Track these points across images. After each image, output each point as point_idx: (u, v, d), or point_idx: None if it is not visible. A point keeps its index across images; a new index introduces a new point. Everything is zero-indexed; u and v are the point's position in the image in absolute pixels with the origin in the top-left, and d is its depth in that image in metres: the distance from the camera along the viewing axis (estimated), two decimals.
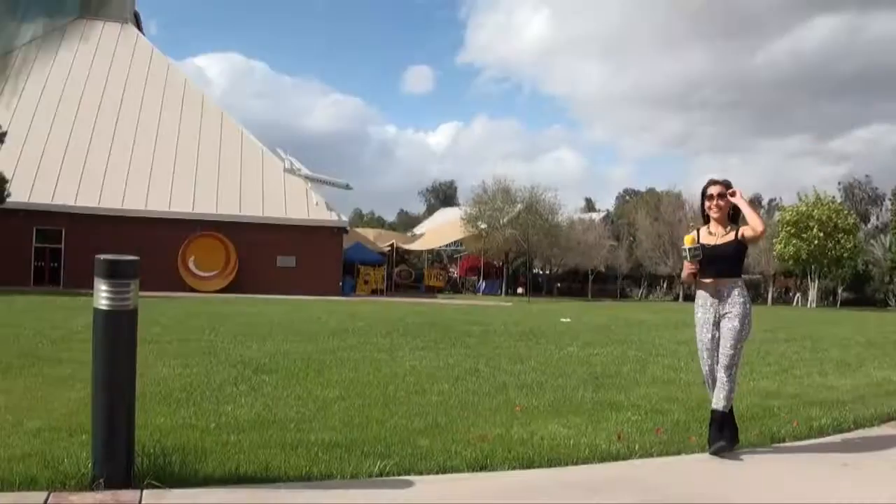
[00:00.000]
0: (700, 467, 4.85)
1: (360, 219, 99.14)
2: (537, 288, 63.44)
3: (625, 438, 5.32)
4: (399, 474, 4.30)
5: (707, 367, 5.39)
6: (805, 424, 6.10)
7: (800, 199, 52.67)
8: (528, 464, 4.62)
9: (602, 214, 74.97)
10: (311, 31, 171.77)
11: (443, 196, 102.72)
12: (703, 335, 5.36)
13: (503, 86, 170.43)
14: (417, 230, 75.26)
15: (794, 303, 55.64)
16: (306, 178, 44.46)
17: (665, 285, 65.40)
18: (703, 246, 5.30)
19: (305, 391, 7.05)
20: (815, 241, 48.60)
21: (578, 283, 65.71)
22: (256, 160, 45.22)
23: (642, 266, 63.59)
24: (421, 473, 4.35)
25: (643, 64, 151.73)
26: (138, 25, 54.78)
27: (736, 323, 5.20)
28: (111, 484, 3.90)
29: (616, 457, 4.90)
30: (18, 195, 36.26)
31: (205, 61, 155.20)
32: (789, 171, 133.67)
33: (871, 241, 60.19)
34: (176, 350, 10.26)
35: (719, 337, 5.26)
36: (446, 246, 65.53)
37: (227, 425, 5.43)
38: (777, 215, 55.32)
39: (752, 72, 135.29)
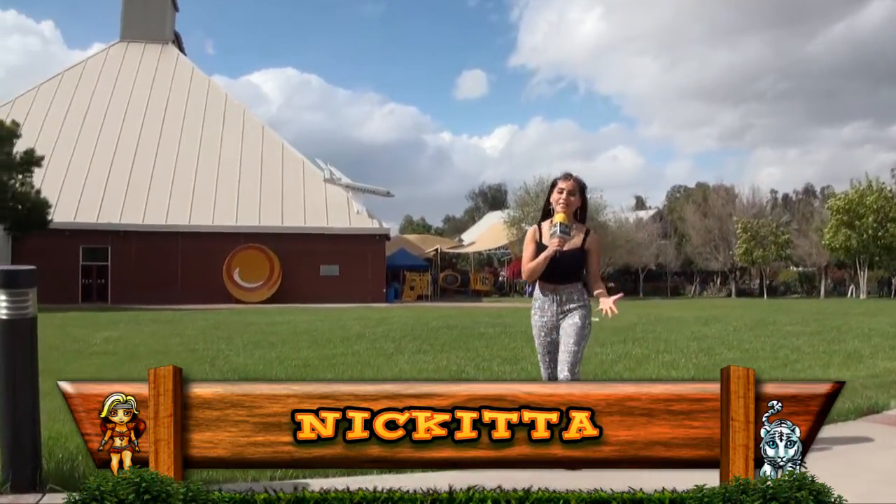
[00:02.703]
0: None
1: (409, 225, 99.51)
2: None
3: None
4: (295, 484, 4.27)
5: (547, 374, 5.12)
6: None
7: (852, 187, 51.28)
8: None
9: (653, 212, 74.01)
10: (363, 43, 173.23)
11: (491, 199, 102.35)
12: (542, 339, 5.09)
13: (558, 86, 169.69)
14: (465, 234, 75.38)
15: (848, 294, 54.17)
16: (347, 186, 44.73)
17: (718, 281, 64.34)
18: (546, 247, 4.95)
19: None
20: (868, 231, 47.23)
21: (631, 282, 65.01)
22: (297, 171, 45.69)
23: (693, 263, 62.65)
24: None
25: (698, 57, 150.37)
26: (179, 46, 55.85)
27: (577, 319, 4.98)
28: (17, 488, 4.01)
29: None
30: (64, 215, 37.46)
31: (260, 78, 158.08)
32: (849, 160, 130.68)
33: None
34: (176, 359, 10.32)
35: (562, 332, 5.01)
36: (495, 249, 65.29)
37: None
38: (828, 203, 54.05)
39: (809, 59, 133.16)
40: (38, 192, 32.84)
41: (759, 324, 17.82)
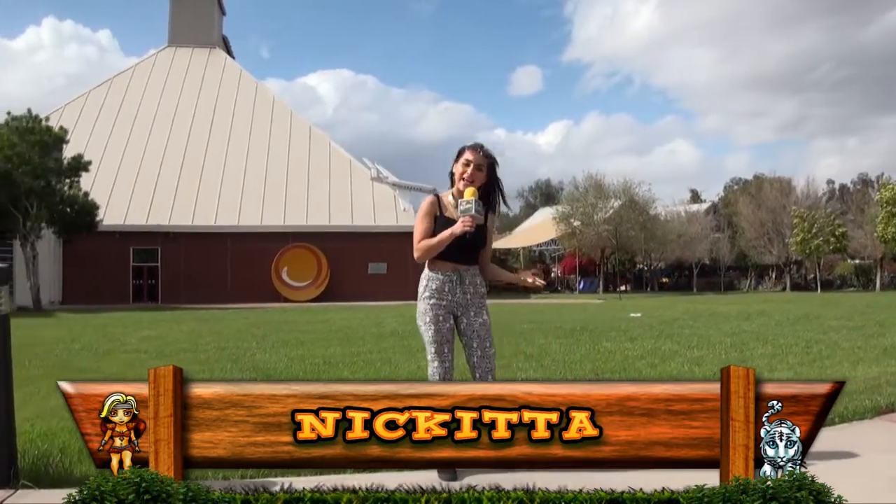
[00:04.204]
0: None
1: None
2: (643, 284, 62.41)
3: None
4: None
5: (443, 369, 4.38)
6: None
7: None
8: None
9: (707, 205, 73.04)
10: (417, 42, 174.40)
11: (545, 196, 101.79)
12: (439, 325, 4.36)
13: (613, 80, 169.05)
14: (517, 231, 75.23)
15: None
16: (393, 185, 44.87)
17: (774, 275, 63.32)
18: (449, 221, 4.33)
19: None
20: None
21: (685, 277, 64.25)
22: (344, 171, 45.98)
23: (748, 257, 61.68)
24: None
25: (754, 47, 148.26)
26: (227, 49, 56.61)
27: (485, 316, 4.44)
28: None
29: None
30: (115, 217, 38.24)
31: (316, 80, 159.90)
32: None
33: None
34: (202, 358, 10.59)
35: (468, 334, 4.40)
36: (544, 245, 65.00)
37: None
38: (878, 194, 52.81)
39: (867, 46, 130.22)
40: (87, 194, 33.64)
41: (803, 318, 17.47)
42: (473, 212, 4.19)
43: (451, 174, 4.51)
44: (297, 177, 44.93)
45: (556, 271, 65.19)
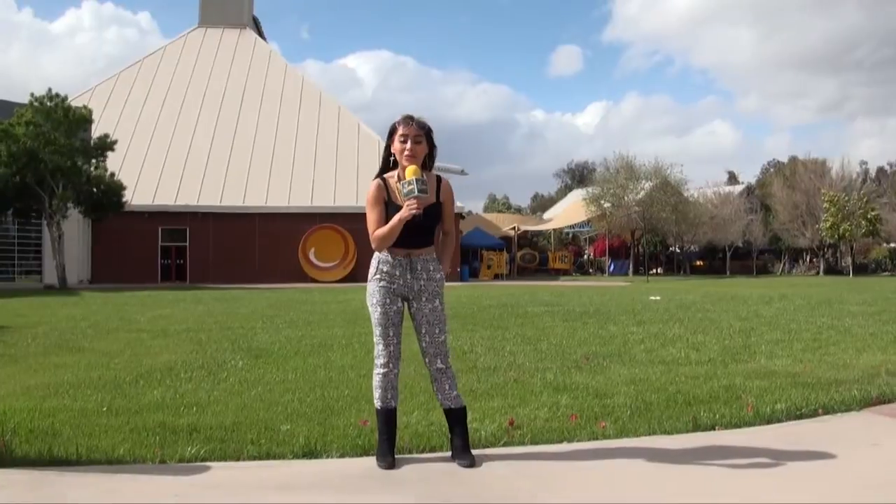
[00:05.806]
0: (558, 457, 4.25)
1: (493, 204, 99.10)
2: (676, 266, 61.78)
3: (521, 424, 4.80)
4: (220, 459, 4.16)
5: (388, 352, 4.21)
6: (769, 408, 5.22)
7: None
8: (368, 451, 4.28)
9: (741, 187, 71.83)
10: (456, 22, 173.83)
11: (579, 177, 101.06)
12: (387, 307, 4.20)
13: (653, 59, 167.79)
14: (548, 213, 74.83)
15: None
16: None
17: (808, 259, 62.37)
18: (399, 206, 4.12)
19: (266, 375, 7.13)
20: None
21: (718, 259, 63.43)
22: (372, 151, 45.72)
23: (781, 240, 60.75)
24: (239, 459, 4.17)
25: (795, 26, 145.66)
26: (258, 30, 56.69)
27: (437, 303, 4.23)
28: None
29: (489, 444, 4.44)
30: (143, 197, 38.68)
31: (354, 61, 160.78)
32: None
33: None
34: (205, 338, 10.57)
35: (417, 319, 4.23)
36: (577, 227, 64.48)
37: (125, 409, 5.52)
38: None
39: None
40: (113, 174, 33.92)
41: (824, 303, 17.08)
42: (417, 192, 4.00)
43: (387, 153, 4.35)
44: (326, 157, 44.98)
45: (587, 253, 64.71)
